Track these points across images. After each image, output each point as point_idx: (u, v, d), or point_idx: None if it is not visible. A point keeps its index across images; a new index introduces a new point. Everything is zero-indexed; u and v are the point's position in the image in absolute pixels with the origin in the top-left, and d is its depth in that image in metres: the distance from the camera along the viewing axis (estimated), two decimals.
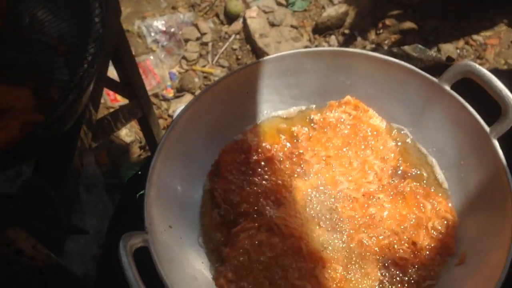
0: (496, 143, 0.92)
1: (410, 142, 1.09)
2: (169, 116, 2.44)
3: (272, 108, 1.15)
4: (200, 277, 0.93)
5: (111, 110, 2.29)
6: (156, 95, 2.49)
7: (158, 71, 2.48)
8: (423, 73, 1.01)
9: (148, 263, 0.84)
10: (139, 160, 2.27)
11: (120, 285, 0.81)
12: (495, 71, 0.92)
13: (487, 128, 0.93)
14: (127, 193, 1.05)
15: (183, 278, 0.89)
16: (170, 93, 2.49)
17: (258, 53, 2.59)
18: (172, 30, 2.63)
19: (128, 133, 2.32)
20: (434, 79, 1.00)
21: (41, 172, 1.02)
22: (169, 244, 0.91)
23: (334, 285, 0.92)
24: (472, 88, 0.96)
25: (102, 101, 2.44)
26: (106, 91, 2.39)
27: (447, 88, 0.99)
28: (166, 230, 0.93)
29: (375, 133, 1.08)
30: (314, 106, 1.15)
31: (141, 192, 0.92)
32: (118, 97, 2.38)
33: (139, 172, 1.03)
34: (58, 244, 1.03)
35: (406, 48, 1.19)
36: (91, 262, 1.70)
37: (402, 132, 1.10)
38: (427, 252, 0.95)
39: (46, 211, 0.95)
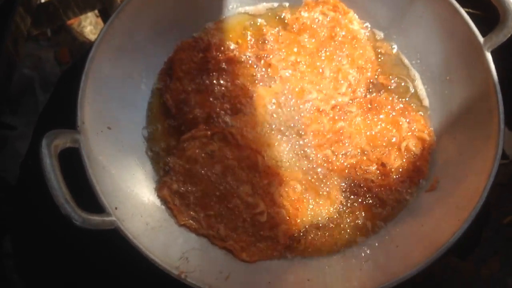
0: (489, 56, 0.80)
1: (393, 52, 0.96)
2: None
3: (239, 3, 1.00)
4: (140, 187, 0.82)
5: None
6: None
7: None
8: None
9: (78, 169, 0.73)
10: None
11: (42, 190, 0.70)
12: None
13: (481, 39, 0.81)
14: (62, 87, 0.91)
15: (118, 186, 0.77)
16: None
17: None
18: None
19: (93, 30, 2.12)
20: None
21: None
22: (105, 148, 0.79)
23: (290, 205, 0.82)
24: None
25: None
26: None
27: None
28: (103, 132, 0.81)
29: (353, 38, 0.94)
30: (287, 4, 1.00)
31: None
32: None
33: (76, 64, 0.88)
34: None
35: None
36: None
37: (385, 40, 0.97)
38: (397, 175, 0.85)
39: None
